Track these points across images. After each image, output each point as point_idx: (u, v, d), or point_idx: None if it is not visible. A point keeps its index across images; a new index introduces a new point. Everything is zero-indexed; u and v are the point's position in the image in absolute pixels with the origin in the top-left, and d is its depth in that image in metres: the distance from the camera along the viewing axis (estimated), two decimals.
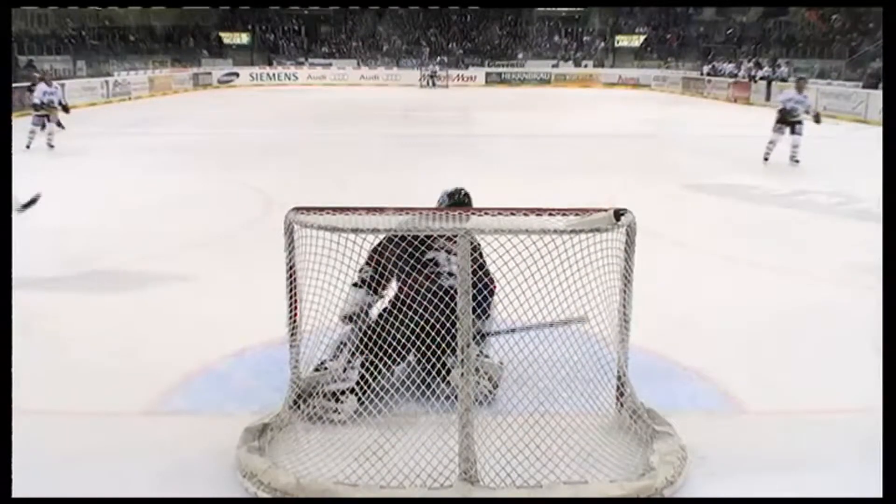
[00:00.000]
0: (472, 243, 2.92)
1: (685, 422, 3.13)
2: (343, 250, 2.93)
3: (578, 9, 39.94)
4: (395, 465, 2.79)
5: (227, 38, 37.90)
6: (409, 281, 3.31)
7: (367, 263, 3.33)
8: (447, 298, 3.02)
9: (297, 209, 2.92)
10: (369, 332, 3.25)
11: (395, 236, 3.20)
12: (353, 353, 3.30)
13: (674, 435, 3.01)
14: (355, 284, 3.31)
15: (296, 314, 3.07)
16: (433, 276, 3.39)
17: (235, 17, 38.66)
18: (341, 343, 3.38)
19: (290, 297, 3.06)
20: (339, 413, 3.20)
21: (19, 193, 4.90)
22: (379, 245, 3.41)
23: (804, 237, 6.87)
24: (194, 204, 8.29)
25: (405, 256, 3.24)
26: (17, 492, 2.37)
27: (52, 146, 12.33)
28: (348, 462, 2.79)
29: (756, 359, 4.02)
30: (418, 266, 3.32)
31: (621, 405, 3.18)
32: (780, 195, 8.75)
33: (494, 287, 3.29)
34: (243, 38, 38.09)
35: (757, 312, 4.74)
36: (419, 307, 3.08)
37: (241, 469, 2.81)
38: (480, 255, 3.11)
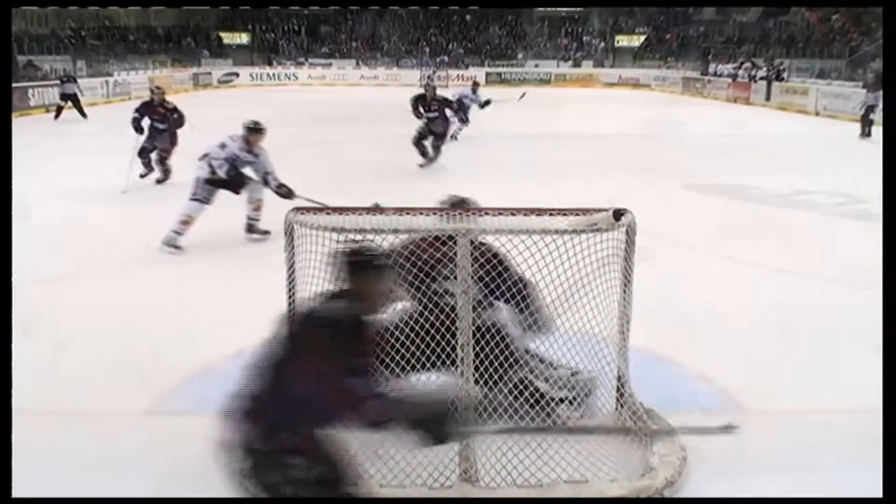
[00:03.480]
0: (490, 251, 2.87)
1: (685, 422, 3.13)
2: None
3: (578, 9, 39.90)
4: (396, 465, 2.79)
5: (227, 38, 37.87)
6: (427, 313, 2.99)
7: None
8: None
9: (297, 209, 2.93)
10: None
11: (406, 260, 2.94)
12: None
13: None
14: None
15: None
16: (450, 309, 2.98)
17: (235, 17, 38.63)
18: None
19: (290, 297, 3.06)
20: None
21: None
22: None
23: (804, 237, 6.87)
24: None
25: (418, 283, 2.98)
26: (17, 492, 2.37)
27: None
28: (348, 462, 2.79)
29: (756, 359, 4.02)
30: (434, 297, 3.03)
31: (621, 405, 3.18)
32: (780, 195, 8.74)
33: (529, 289, 3.03)
34: (243, 38, 38.05)
35: (757, 312, 4.74)
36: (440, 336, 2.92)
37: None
38: (500, 262, 2.90)
